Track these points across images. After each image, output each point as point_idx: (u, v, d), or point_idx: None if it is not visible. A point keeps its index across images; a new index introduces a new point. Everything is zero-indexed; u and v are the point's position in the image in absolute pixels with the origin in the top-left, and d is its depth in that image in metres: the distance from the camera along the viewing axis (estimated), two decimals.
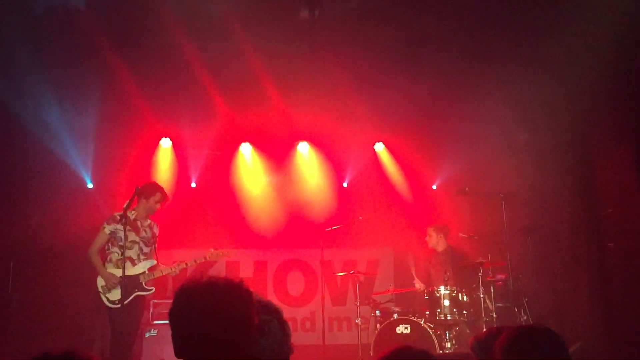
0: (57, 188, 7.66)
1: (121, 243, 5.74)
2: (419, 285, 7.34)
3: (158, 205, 6.01)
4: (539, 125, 7.04)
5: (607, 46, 5.88)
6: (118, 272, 5.68)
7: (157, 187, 6.07)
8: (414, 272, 7.51)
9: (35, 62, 6.49)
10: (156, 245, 6.13)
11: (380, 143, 8.88)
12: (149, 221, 6.09)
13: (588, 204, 7.60)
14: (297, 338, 8.62)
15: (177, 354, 1.81)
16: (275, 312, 2.13)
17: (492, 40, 6.30)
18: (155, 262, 5.96)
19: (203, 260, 6.05)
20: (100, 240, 5.84)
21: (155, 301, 7.06)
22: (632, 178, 6.86)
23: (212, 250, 6.12)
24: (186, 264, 5.97)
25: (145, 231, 6.00)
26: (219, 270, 8.54)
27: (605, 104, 6.43)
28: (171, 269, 5.93)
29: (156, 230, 6.16)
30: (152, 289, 5.90)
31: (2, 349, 6.62)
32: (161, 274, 5.94)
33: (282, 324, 2.12)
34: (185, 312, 1.79)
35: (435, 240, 7.42)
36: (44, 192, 7.58)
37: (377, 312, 7.05)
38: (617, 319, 7.06)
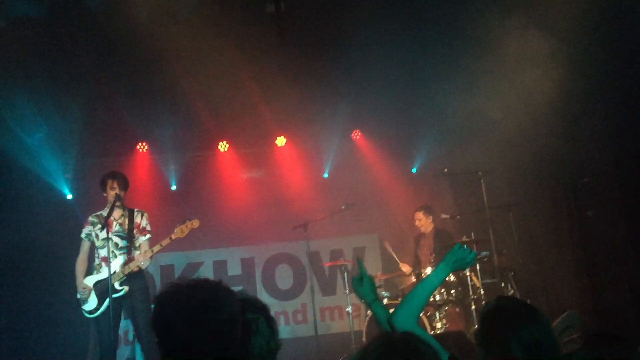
0: (35, 201, 7.56)
1: (96, 244, 5.65)
2: (405, 268, 7.45)
3: (115, 191, 5.62)
4: (511, 99, 7.10)
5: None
6: (96, 278, 5.58)
7: (105, 175, 5.77)
8: (396, 257, 7.61)
9: (6, 76, 6.38)
10: (146, 236, 5.76)
11: (357, 131, 8.91)
12: (122, 213, 5.75)
13: (565, 175, 7.73)
14: (290, 331, 8.71)
15: None
16: (262, 310, 2.14)
17: (463, 17, 6.32)
18: (127, 257, 5.57)
19: (169, 240, 5.66)
20: (81, 248, 5.75)
21: None
22: (605, 147, 6.99)
23: (177, 226, 5.74)
24: (152, 250, 5.60)
25: (119, 224, 5.70)
26: (207, 271, 8.55)
27: (580, 78, 6.51)
28: (140, 260, 5.55)
29: (141, 220, 5.79)
30: (123, 289, 5.47)
31: None
32: (130, 270, 5.51)
33: (270, 321, 2.14)
34: (168, 317, 1.78)
35: (425, 223, 7.53)
36: (21, 206, 7.46)
37: None
38: (602, 286, 7.21)
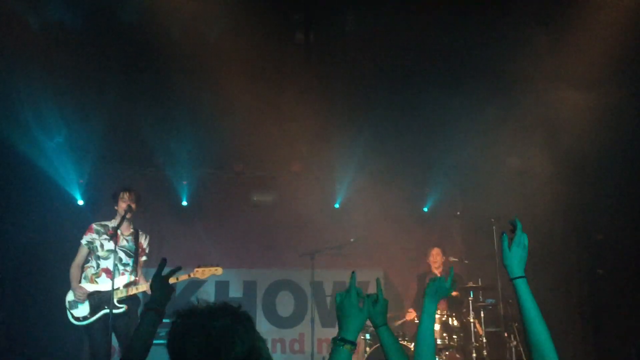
0: (46, 205, 7.60)
1: (98, 253, 5.57)
2: (410, 316, 7.25)
3: (128, 203, 5.61)
4: (531, 151, 7.08)
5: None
6: (91, 288, 5.47)
7: (119, 189, 5.75)
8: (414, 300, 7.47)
9: (27, 78, 6.46)
10: (143, 258, 5.83)
11: (373, 164, 8.88)
12: (132, 230, 5.77)
13: (578, 229, 7.64)
14: (286, 359, 8.60)
15: None
16: (263, 341, 2.09)
17: (487, 66, 6.35)
18: (133, 278, 5.60)
19: (187, 277, 5.60)
20: (79, 254, 5.64)
21: None
22: (622, 204, 6.91)
23: (198, 268, 5.67)
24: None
25: (126, 240, 5.70)
26: (208, 290, 8.49)
27: (602, 134, 6.49)
28: (148, 286, 5.38)
29: (144, 241, 5.86)
30: (122, 307, 5.41)
31: None
32: (136, 291, 5.51)
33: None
34: (183, 343, 1.73)
35: (439, 261, 7.45)
36: (32, 209, 7.49)
37: (367, 335, 7.00)
38: (608, 346, 7.05)
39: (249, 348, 1.75)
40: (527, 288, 2.27)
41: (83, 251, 5.67)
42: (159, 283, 2.63)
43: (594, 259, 7.42)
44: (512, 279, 2.32)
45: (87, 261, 5.67)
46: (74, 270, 5.61)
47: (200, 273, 5.66)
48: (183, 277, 5.58)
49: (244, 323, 1.78)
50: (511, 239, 2.35)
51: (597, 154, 6.86)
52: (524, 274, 2.30)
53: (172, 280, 5.48)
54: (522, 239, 2.34)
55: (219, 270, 5.74)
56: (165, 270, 2.73)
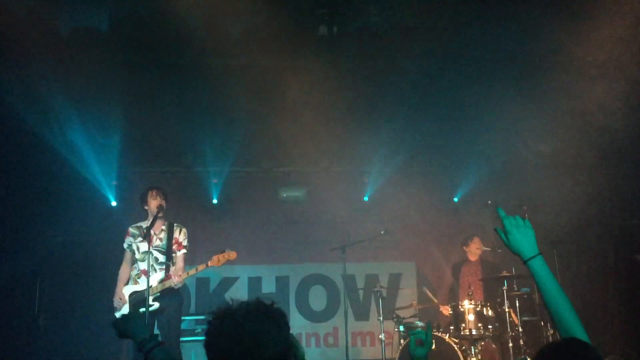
0: (81, 206, 7.77)
1: (136, 256, 5.74)
2: (445, 311, 7.21)
3: (157, 201, 5.73)
4: (563, 136, 6.95)
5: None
6: (132, 288, 5.66)
7: (147, 189, 5.89)
8: (434, 298, 7.40)
9: (60, 83, 6.59)
10: (182, 251, 5.86)
11: (401, 156, 8.83)
12: (163, 227, 5.85)
13: (614, 215, 7.48)
14: (320, 353, 8.63)
15: None
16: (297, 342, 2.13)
17: (515, 52, 6.26)
18: (166, 273, 5.66)
19: (205, 267, 5.68)
20: (124, 257, 5.86)
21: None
22: None
23: (215, 256, 5.71)
24: (187, 273, 5.63)
25: (160, 239, 5.78)
26: (241, 285, 8.58)
27: (632, 114, 6.33)
28: (174, 282, 5.56)
29: (179, 235, 5.88)
30: (154, 305, 5.45)
31: None
32: (164, 287, 5.57)
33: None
34: (220, 345, 1.77)
35: (479, 251, 7.38)
36: (68, 211, 7.69)
37: (401, 327, 6.98)
38: None
39: (282, 349, 1.79)
40: (543, 265, 2.14)
41: (126, 255, 5.88)
42: (130, 321, 2.48)
43: (631, 246, 7.26)
44: (525, 262, 2.18)
45: (133, 262, 5.84)
46: (120, 273, 5.83)
47: (215, 261, 5.71)
48: (201, 266, 5.69)
49: (277, 323, 1.81)
50: (504, 230, 2.23)
51: (631, 138, 6.69)
52: (537, 252, 2.16)
53: (191, 272, 5.65)
54: (513, 222, 2.22)
55: (232, 255, 5.77)
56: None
